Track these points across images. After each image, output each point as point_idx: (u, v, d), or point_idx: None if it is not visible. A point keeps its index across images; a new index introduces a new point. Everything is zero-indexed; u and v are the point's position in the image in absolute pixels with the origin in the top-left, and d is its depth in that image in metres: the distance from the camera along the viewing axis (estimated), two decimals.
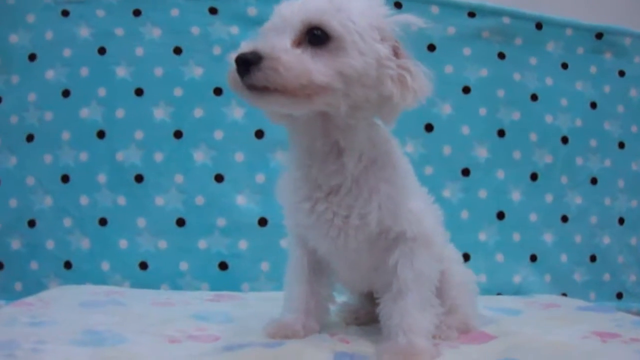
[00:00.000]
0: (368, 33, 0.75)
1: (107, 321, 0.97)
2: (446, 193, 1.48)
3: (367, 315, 1.01)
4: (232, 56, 0.72)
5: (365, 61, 0.74)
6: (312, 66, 0.72)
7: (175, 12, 1.41)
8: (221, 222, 1.39)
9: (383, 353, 0.81)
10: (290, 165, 0.87)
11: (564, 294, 1.53)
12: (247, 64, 0.70)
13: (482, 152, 1.51)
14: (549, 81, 1.55)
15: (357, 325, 1.00)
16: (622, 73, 1.61)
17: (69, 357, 0.78)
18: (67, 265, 1.36)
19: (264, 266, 1.39)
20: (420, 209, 0.86)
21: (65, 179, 1.38)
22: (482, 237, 1.50)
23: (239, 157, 1.41)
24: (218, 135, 1.41)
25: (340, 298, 1.06)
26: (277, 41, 0.73)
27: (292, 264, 0.94)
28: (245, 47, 0.72)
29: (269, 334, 0.90)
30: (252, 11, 1.41)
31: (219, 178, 1.40)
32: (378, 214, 0.82)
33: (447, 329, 0.93)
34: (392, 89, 0.77)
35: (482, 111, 1.51)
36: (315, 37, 0.74)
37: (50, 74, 1.38)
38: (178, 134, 1.40)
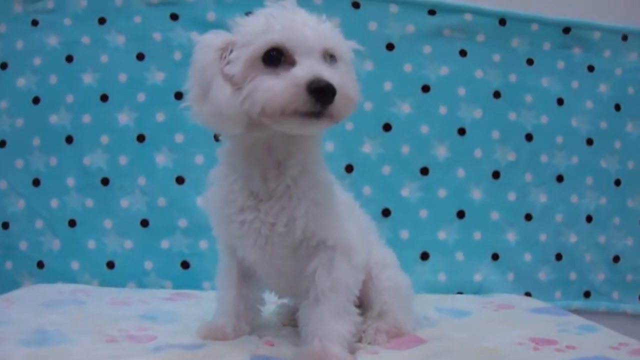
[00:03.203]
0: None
1: (60, 321, 1.02)
2: (404, 192, 1.48)
3: None
4: (309, 80, 0.72)
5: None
6: None
7: (138, 19, 1.44)
8: (182, 222, 1.43)
9: (297, 357, 0.85)
10: (225, 178, 0.89)
11: (528, 293, 1.51)
12: (333, 94, 0.73)
13: (441, 151, 1.49)
14: (512, 78, 1.52)
15: (293, 327, 1.01)
16: (591, 68, 1.57)
17: (7, 356, 0.83)
18: (40, 265, 1.42)
19: None
20: (342, 217, 0.88)
21: (36, 182, 1.43)
22: (442, 235, 1.49)
23: (199, 159, 1.44)
24: (179, 138, 1.43)
25: (281, 300, 1.09)
26: (332, 72, 0.75)
27: (222, 270, 0.98)
28: (323, 75, 0.73)
29: (200, 336, 0.95)
30: (211, 16, 1.43)
31: (180, 180, 1.44)
32: (305, 218, 0.84)
33: (375, 333, 0.95)
34: None
35: (442, 110, 1.49)
36: (329, 60, 0.79)
37: (21, 82, 1.43)
38: (141, 138, 1.44)
